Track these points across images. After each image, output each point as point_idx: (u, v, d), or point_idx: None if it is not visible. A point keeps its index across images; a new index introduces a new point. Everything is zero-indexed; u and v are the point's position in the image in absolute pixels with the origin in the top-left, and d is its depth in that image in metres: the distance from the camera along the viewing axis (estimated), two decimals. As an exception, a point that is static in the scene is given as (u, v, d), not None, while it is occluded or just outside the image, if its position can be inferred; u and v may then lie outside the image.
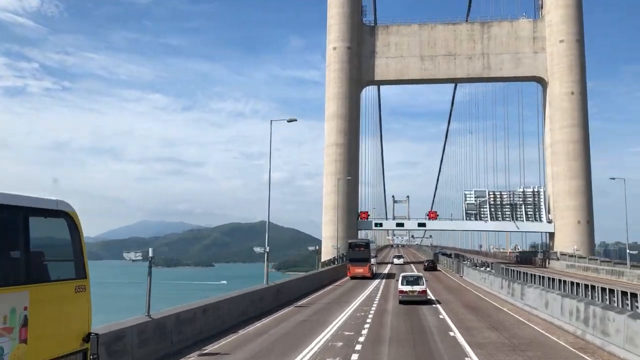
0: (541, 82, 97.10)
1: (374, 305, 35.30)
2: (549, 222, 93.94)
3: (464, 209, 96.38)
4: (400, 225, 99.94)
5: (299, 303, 36.71)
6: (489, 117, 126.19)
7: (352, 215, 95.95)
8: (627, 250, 63.89)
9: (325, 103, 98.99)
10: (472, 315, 29.83)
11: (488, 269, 66.39)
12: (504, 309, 32.52)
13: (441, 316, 29.45)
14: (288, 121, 37.09)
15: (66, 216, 9.54)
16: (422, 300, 34.86)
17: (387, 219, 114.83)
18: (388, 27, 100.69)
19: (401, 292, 35.03)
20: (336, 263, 69.68)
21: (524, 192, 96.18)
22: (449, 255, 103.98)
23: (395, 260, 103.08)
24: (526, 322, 27.05)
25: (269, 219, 36.38)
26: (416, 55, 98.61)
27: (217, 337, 22.28)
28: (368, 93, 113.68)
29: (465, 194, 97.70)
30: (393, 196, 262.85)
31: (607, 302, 34.37)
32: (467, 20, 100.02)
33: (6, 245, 8.46)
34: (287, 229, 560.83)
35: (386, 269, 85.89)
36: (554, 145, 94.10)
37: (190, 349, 19.58)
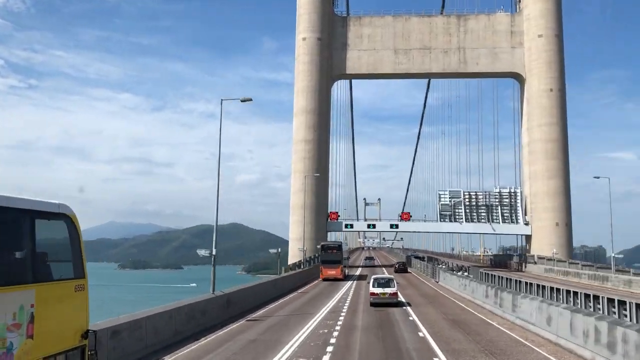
0: (518, 78, 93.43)
1: (341, 317, 30.03)
2: (526, 224, 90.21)
3: (438, 210, 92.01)
4: (372, 226, 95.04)
5: (254, 315, 31.18)
6: (462, 118, 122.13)
7: (321, 216, 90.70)
8: (612, 254, 60.02)
9: (294, 97, 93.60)
10: (457, 333, 24.73)
11: (465, 273, 61.90)
12: (494, 324, 27.54)
13: (421, 334, 24.29)
14: (242, 101, 31.68)
15: (66, 218, 10.08)
16: (393, 302, 35.07)
17: (358, 220, 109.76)
18: (361, 18, 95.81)
19: (372, 294, 35.20)
20: (303, 266, 64.20)
21: (500, 192, 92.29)
22: (422, 259, 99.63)
23: (366, 263, 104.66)
24: (526, 342, 22.02)
25: (217, 212, 30.93)
26: (390, 49, 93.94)
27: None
28: (339, 94, 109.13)
29: (439, 195, 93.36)
30: (364, 199, 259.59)
31: (615, 315, 29.75)
32: (442, 13, 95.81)
33: (16, 246, 9.10)
34: (257, 230, 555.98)
35: (357, 271, 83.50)
36: (531, 144, 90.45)
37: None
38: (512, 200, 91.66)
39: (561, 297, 35.63)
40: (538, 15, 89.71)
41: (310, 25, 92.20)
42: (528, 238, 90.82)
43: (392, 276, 40.79)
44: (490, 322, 28.29)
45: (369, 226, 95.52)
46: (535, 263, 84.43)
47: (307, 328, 25.96)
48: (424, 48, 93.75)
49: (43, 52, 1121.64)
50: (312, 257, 77.82)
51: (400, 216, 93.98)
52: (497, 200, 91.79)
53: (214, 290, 29.29)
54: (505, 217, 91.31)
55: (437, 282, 57.79)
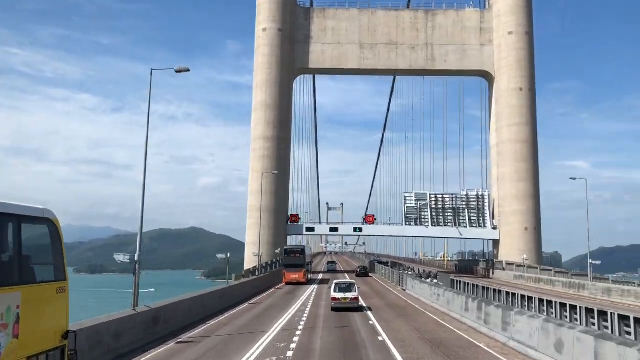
0: (487, 77, 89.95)
1: (296, 336, 24.58)
2: (494, 228, 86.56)
3: (403, 213, 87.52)
4: (335, 229, 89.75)
5: (188, 335, 25.38)
6: (427, 123, 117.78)
7: (281, 219, 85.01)
8: (589, 261, 56.26)
9: (252, 91, 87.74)
10: (440, 359, 19.60)
11: (435, 280, 57.30)
12: (482, 346, 22.49)
13: (395, 363, 19.04)
14: (177, 71, 25.91)
15: (50, 223, 10.42)
16: (354, 307, 34.88)
17: (320, 223, 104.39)
18: (325, 10, 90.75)
19: (334, 299, 35.06)
20: (259, 273, 58.36)
21: (467, 195, 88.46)
22: (386, 264, 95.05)
23: (329, 267, 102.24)
24: (532, 376, 17.02)
25: (143, 207, 24.90)
26: (355, 43, 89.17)
27: None
28: (303, 98, 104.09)
29: (405, 197, 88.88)
30: (327, 203, 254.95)
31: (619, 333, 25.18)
32: (409, 7, 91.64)
33: (3, 249, 9.39)
34: (218, 235, 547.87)
35: (319, 276, 79.92)
36: (500, 145, 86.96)
37: None
38: (480, 203, 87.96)
39: (553, 310, 31.19)
40: (509, 12, 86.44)
41: (271, 16, 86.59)
42: (496, 243, 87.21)
43: (353, 281, 39.88)
44: (477, 343, 23.23)
45: (331, 230, 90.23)
46: (504, 269, 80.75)
47: (251, 354, 20.39)
48: (390, 43, 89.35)
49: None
50: (271, 262, 72.11)
51: (364, 219, 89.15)
52: (464, 203, 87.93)
53: (135, 305, 23.40)
54: (473, 221, 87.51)
55: (405, 290, 52.84)
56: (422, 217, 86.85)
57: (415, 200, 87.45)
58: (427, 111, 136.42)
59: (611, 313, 28.85)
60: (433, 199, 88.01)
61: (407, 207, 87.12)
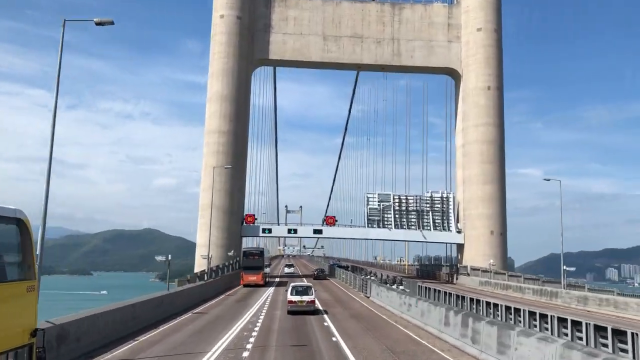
0: (454, 74, 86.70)
1: (243, 358, 19.55)
2: (459, 231, 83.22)
3: (365, 214, 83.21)
4: (293, 231, 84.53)
5: (104, 359, 19.96)
6: (389, 125, 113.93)
7: (235, 220, 79.39)
8: (563, 267, 52.96)
9: (208, 81, 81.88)
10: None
11: (401, 287, 53.02)
12: (476, 375, 17.95)
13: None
14: (97, 24, 20.58)
15: (21, 223, 10.38)
16: (310, 310, 34.57)
17: (279, 224, 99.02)
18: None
19: (290, 302, 34.78)
20: (208, 278, 52.74)
21: (431, 197, 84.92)
22: (346, 268, 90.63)
23: (286, 270, 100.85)
24: None
25: (47, 199, 19.39)
26: (318, 34, 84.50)
27: None
28: (263, 99, 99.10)
29: (367, 197, 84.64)
30: (286, 206, 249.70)
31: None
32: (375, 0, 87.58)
33: None
34: (174, 237, 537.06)
35: (276, 279, 76.94)
36: (466, 145, 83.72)
37: None
38: (445, 205, 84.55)
39: (549, 324, 27.03)
40: (477, 8, 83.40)
41: (229, 2, 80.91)
42: (460, 247, 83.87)
43: (310, 284, 39.49)
44: (469, 370, 18.70)
45: (289, 231, 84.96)
46: (468, 275, 77.39)
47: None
48: (355, 36, 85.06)
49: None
50: (223, 266, 66.54)
51: (324, 221, 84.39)
52: (428, 205, 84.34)
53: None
54: (437, 224, 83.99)
55: (368, 297, 48.25)
56: (385, 219, 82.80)
57: (379, 202, 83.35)
58: (390, 114, 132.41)
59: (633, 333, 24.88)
60: (396, 201, 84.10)
61: (369, 208, 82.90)
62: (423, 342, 24.76)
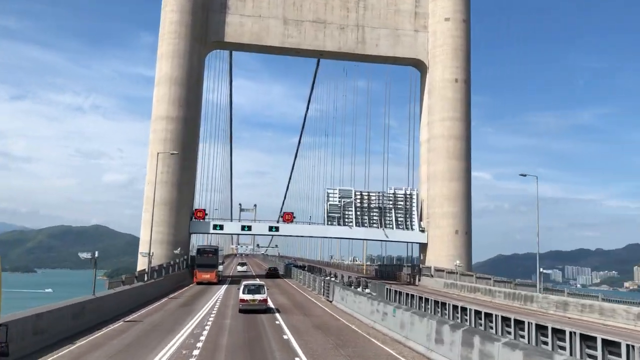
0: (420, 66, 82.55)
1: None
2: (422, 230, 79.13)
3: (325, 211, 78.07)
4: (247, 228, 78.29)
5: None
6: (349, 120, 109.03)
7: (184, 215, 72.86)
8: (539, 269, 49.11)
9: (157, 62, 74.96)
10: None
11: (367, 290, 48.04)
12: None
13: None
14: None
15: None
16: (262, 309, 34.37)
17: (232, 220, 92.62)
18: (245, -23, 79.58)
19: (242, 300, 34.84)
20: (149, 278, 46.26)
21: (395, 194, 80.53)
22: (303, 268, 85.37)
23: (239, 269, 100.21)
24: None
25: None
26: (278, 17, 78.75)
27: None
28: (218, 95, 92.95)
29: (327, 193, 79.55)
30: (240, 204, 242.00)
31: None
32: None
33: None
34: (124, 234, 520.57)
35: (228, 280, 72.43)
36: (431, 140, 79.71)
37: None
38: (408, 203, 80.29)
39: (525, 331, 22.43)
40: (446, -4, 79.48)
41: (182, -23, 74.24)
42: (423, 247, 79.81)
43: (262, 282, 39.24)
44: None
45: (243, 228, 78.71)
46: (432, 276, 73.36)
47: None
48: (317, 21, 79.77)
49: None
50: (168, 264, 60.10)
51: (281, 217, 78.77)
52: (391, 202, 79.93)
53: None
54: (400, 223, 79.64)
55: (331, 301, 42.99)
56: (346, 216, 77.89)
57: (339, 198, 78.36)
58: (349, 111, 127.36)
59: None
60: (358, 197, 79.33)
61: (329, 204, 77.78)
62: (411, 364, 19.65)
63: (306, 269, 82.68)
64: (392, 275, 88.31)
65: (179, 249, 65.70)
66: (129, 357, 19.94)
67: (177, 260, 64.56)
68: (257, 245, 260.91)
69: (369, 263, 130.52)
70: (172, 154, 63.23)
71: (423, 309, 39.26)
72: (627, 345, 21.45)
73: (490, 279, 59.07)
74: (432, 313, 37.36)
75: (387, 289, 43.46)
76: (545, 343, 26.80)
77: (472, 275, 63.44)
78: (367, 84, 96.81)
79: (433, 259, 76.19)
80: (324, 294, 47.37)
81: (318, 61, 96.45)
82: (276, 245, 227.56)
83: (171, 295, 47.16)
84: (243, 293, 35.07)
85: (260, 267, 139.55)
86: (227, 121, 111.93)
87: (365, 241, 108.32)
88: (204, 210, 76.91)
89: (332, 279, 56.09)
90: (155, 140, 71.70)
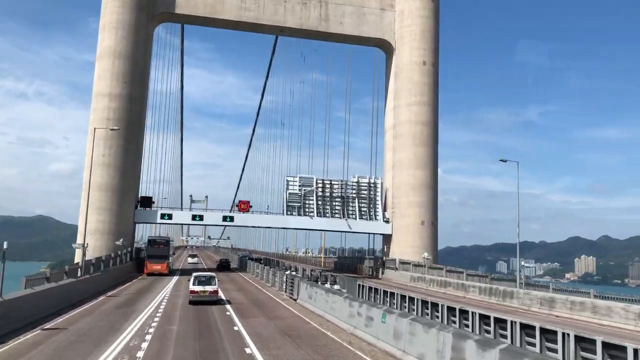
0: (387, 47, 77.97)
1: None
2: (386, 221, 74.89)
3: (285, 200, 72.68)
4: (199, 217, 71.93)
5: None
6: (306, 109, 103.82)
7: (128, 203, 66.03)
8: (520, 262, 45.30)
9: (98, 35, 67.49)
10: None
11: (336, 286, 42.94)
12: None
13: None
14: None
15: None
16: (213, 301, 34.05)
17: (182, 209, 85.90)
18: (199, -56, 72.75)
19: (192, 292, 34.35)
20: (82, 273, 39.72)
21: (358, 182, 75.95)
22: (259, 260, 79.72)
23: (190, 260, 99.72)
24: None
25: None
26: (235, -11, 72.47)
27: None
28: (169, 84, 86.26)
29: (287, 181, 74.14)
30: (191, 195, 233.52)
31: None
32: (302, -44, 76.66)
33: None
34: (69, 225, 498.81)
35: (177, 274, 67.44)
36: (397, 126, 75.41)
37: None
38: (372, 192, 75.86)
39: (508, 330, 17.75)
40: (414, -27, 75.06)
41: (128, -60, 66.87)
42: (387, 238, 75.62)
43: (213, 274, 37.57)
44: None
45: (194, 217, 72.28)
46: (396, 269, 69.20)
47: None
48: (278, -5, 73.90)
49: None
50: (108, 257, 53.35)
51: (237, 206, 72.85)
52: (354, 191, 75.32)
53: None
54: (363, 213, 75.17)
55: (296, 300, 37.69)
56: (307, 206, 72.74)
57: (300, 186, 73.11)
58: (307, 97, 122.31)
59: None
60: (320, 185, 74.29)
61: (289, 193, 72.42)
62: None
63: (261, 261, 77.20)
64: (353, 268, 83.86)
65: (121, 239, 59.01)
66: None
67: (120, 253, 57.87)
68: (209, 237, 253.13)
69: (326, 255, 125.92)
70: (112, 129, 56.22)
71: (397, 307, 34.50)
72: (635, 350, 16.84)
73: (462, 272, 55.10)
74: (400, 309, 32.66)
75: (358, 284, 38.56)
76: (532, 344, 22.54)
77: (441, 269, 59.40)
78: (326, 73, 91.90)
79: (398, 251, 72.07)
80: (286, 291, 42.05)
81: (275, 43, 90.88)
82: (228, 237, 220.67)
83: (110, 293, 40.82)
84: (193, 284, 34.77)
85: (211, 259, 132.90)
86: (177, 108, 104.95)
87: (324, 232, 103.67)
88: (151, 197, 70.23)
89: (294, 273, 50.84)
90: (95, 120, 64.28)
